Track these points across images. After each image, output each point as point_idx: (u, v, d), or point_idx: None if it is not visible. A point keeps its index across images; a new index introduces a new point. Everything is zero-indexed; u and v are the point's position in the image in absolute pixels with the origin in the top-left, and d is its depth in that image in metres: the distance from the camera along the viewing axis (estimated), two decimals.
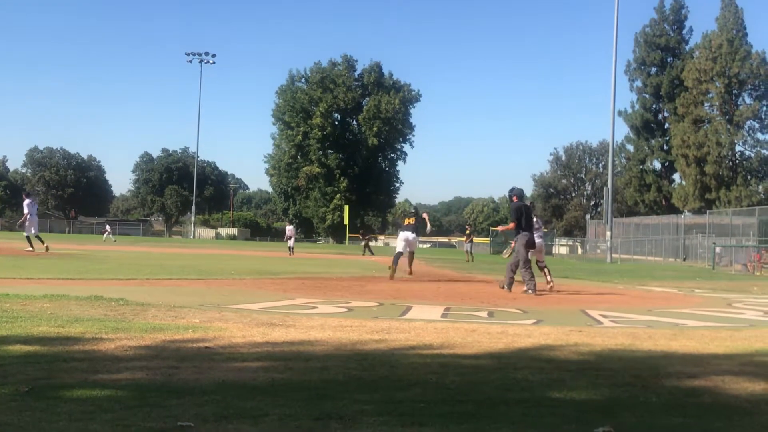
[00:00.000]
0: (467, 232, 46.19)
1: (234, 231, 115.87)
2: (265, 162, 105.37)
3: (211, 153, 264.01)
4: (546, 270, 15.38)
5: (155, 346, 6.34)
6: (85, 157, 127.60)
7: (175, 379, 4.98)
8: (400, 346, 6.73)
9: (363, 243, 46.09)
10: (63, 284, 12.78)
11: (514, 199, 15.13)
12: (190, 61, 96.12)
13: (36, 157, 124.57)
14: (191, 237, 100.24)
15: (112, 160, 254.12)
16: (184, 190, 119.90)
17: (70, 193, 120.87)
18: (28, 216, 25.49)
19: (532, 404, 4.53)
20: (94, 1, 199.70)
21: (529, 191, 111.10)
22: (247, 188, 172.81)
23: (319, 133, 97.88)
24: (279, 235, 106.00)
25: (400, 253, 18.54)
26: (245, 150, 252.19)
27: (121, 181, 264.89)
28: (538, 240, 15.49)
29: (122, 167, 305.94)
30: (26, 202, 25.91)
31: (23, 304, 8.95)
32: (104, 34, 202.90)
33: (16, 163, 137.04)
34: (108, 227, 72.89)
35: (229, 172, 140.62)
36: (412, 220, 18.92)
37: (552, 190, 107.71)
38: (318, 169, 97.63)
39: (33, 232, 25.50)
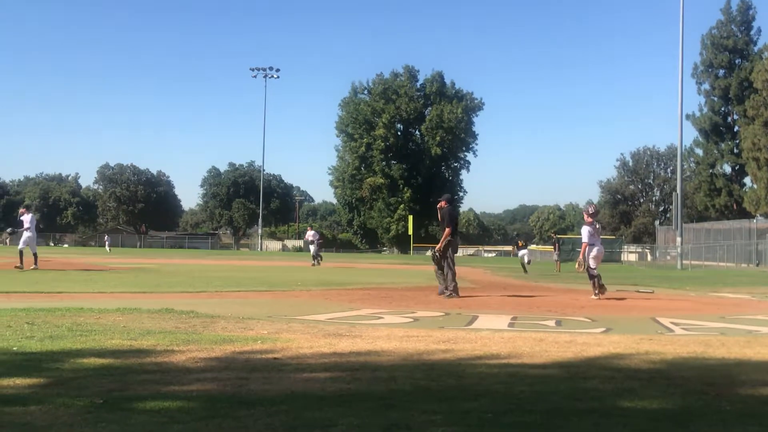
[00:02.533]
0: (554, 239, 44.90)
1: (300, 243, 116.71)
2: (329, 174, 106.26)
3: (276, 166, 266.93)
4: (598, 280, 15.30)
5: (225, 357, 6.43)
6: (155, 173, 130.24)
7: (245, 390, 5.04)
8: (467, 356, 6.70)
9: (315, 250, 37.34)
10: (135, 297, 13.07)
11: (444, 204, 15.53)
12: (255, 76, 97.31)
13: (107, 173, 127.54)
14: (258, 249, 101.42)
15: (181, 175, 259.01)
16: (250, 203, 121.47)
17: (141, 208, 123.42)
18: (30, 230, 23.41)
19: (602, 414, 4.47)
20: (159, 20, 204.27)
21: (595, 198, 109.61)
22: (312, 200, 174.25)
23: (382, 144, 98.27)
24: (345, 246, 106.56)
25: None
26: (310, 162, 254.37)
27: (189, 195, 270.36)
28: (599, 247, 15.46)
29: (191, 182, 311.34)
30: (30, 216, 23.62)
31: (97, 317, 9.18)
32: (170, 52, 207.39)
33: (88, 179, 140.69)
34: (107, 239, 74.96)
35: (294, 185, 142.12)
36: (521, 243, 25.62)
37: (619, 196, 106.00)
38: (381, 180, 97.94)
39: (23, 246, 23.09)
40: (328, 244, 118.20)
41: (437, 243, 15.56)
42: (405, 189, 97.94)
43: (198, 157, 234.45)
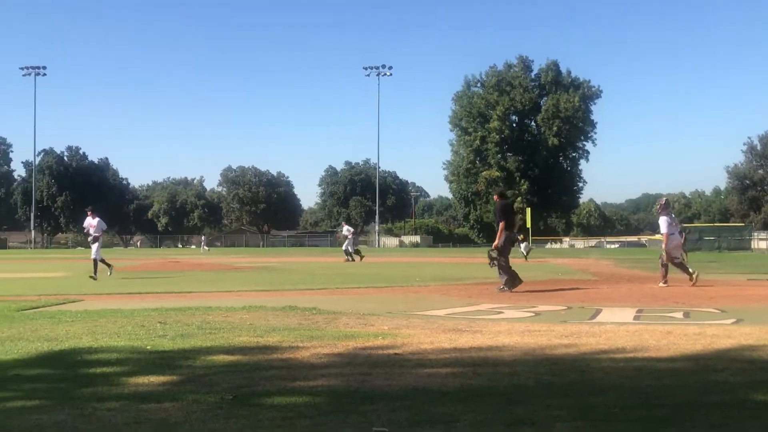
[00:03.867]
0: (680, 228, 43.43)
1: (417, 238, 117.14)
2: (444, 168, 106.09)
3: (391, 163, 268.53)
4: (683, 267, 15.74)
5: (347, 353, 6.54)
6: (275, 174, 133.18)
7: (368, 385, 5.12)
8: (590, 350, 6.59)
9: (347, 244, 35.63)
10: (259, 296, 13.45)
11: (496, 198, 16.03)
12: (368, 75, 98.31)
13: (230, 176, 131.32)
14: (376, 246, 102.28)
15: (300, 175, 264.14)
16: (367, 200, 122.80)
17: (263, 208, 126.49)
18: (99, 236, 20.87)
19: (733, 407, 4.33)
20: (275, 22, 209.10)
21: (722, 184, 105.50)
22: (428, 196, 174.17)
23: (497, 136, 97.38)
24: (461, 241, 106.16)
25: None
26: (424, 158, 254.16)
27: (308, 194, 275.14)
28: (678, 237, 16.25)
29: (309, 181, 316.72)
30: (97, 220, 20.90)
31: (225, 315, 9.49)
32: (286, 55, 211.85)
33: (212, 182, 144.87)
34: (203, 238, 77.75)
35: (409, 181, 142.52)
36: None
37: (748, 181, 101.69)
38: (497, 173, 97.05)
39: (97, 255, 20.28)
40: (443, 239, 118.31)
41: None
42: (522, 181, 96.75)
43: (315, 157, 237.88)
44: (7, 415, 4.44)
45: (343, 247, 36.09)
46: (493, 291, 14.18)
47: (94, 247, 20.45)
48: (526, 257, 34.73)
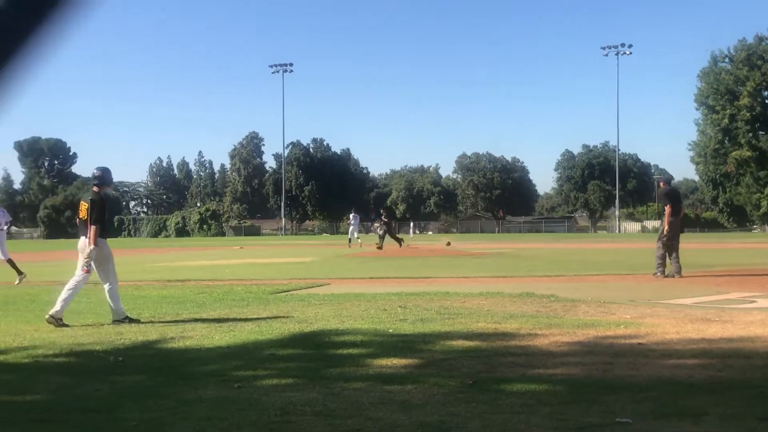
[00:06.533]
0: None
1: (656, 223, 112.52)
2: (689, 150, 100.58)
3: (631, 145, 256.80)
4: None
5: (587, 341, 6.44)
6: (509, 159, 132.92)
7: (610, 375, 5.03)
8: None
9: (380, 232, 32.77)
10: (496, 282, 13.53)
11: (662, 185, 16.41)
12: (606, 55, 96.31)
13: (464, 162, 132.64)
14: (616, 231, 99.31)
15: (535, 160, 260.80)
16: (606, 184, 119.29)
17: (497, 194, 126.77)
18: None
19: None
20: (510, 9, 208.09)
21: None
22: (672, 178, 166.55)
23: (748, 114, 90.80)
24: (710, 226, 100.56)
25: None
26: (667, 139, 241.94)
27: (544, 179, 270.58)
28: None
29: (544, 166, 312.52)
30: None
31: (462, 301, 9.66)
32: (522, 41, 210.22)
33: (447, 169, 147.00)
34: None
35: (651, 164, 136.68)
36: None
37: None
38: (749, 153, 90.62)
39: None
40: (689, 224, 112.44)
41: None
42: None
43: (551, 142, 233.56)
44: (263, 393, 4.80)
45: (349, 235, 38.66)
46: (741, 277, 13.40)
47: None
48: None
